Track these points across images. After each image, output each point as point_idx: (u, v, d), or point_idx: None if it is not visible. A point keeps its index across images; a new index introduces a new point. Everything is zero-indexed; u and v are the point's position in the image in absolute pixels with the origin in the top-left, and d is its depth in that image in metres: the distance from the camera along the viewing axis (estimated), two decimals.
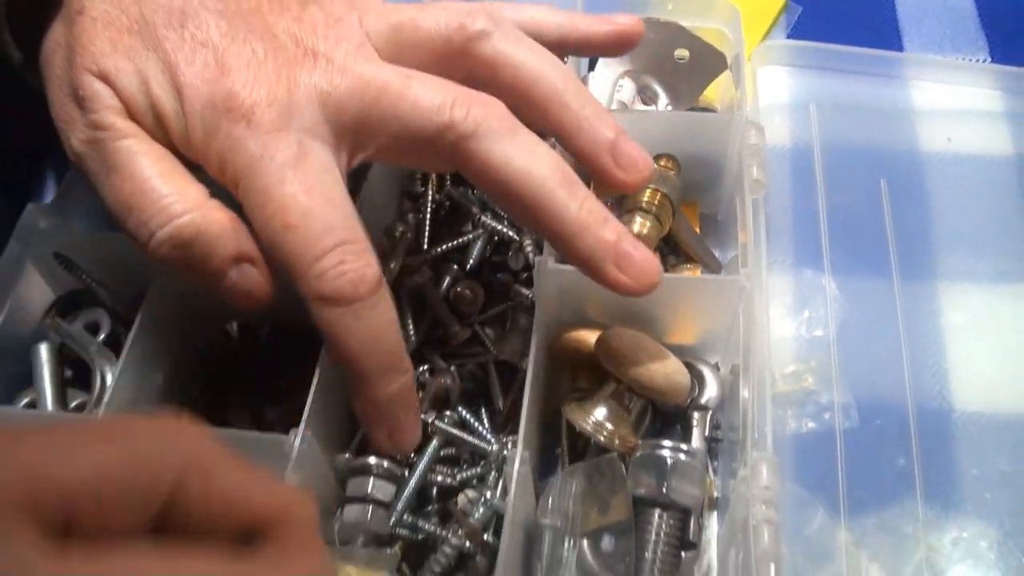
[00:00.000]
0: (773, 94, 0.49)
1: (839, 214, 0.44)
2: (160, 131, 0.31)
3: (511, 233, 0.42)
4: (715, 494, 0.37)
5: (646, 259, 0.31)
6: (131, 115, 0.31)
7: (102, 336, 0.40)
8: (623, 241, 0.31)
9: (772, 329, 0.41)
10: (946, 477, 0.37)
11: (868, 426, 0.38)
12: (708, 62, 0.47)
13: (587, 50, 0.38)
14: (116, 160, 0.31)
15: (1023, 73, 0.49)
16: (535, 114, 0.33)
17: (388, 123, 0.31)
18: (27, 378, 0.40)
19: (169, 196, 0.30)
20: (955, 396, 0.39)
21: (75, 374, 0.41)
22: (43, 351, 0.40)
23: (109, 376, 0.38)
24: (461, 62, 0.33)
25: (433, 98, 0.31)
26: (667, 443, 0.34)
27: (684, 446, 0.34)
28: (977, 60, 0.51)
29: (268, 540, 0.23)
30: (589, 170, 0.33)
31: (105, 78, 0.31)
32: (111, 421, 0.29)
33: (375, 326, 0.30)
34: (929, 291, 0.42)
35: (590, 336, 0.38)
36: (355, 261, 0.29)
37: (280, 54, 0.31)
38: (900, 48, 0.52)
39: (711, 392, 0.38)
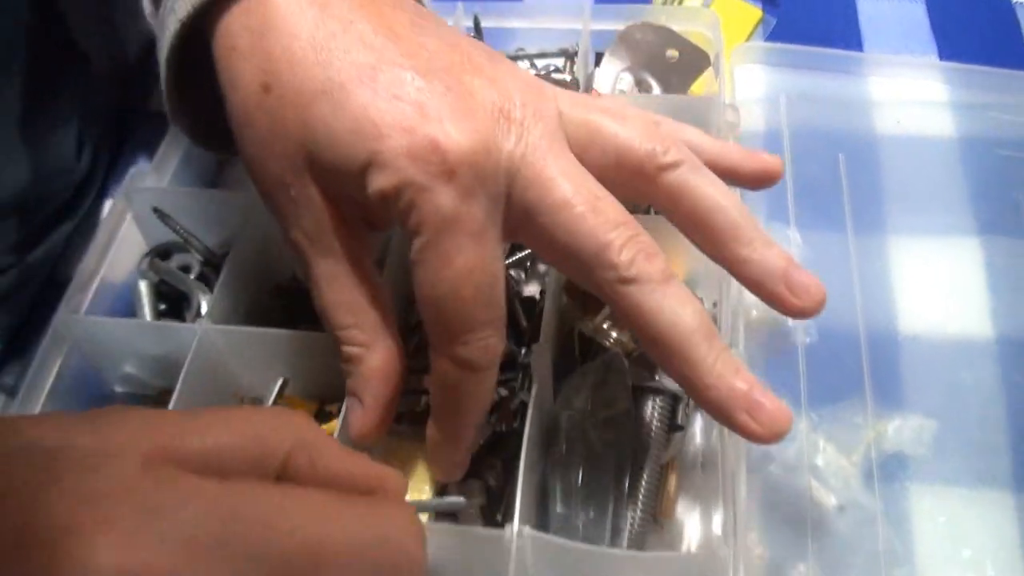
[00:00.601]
0: (749, 88, 0.58)
1: (802, 180, 0.52)
2: (350, 198, 0.33)
3: None
4: None
5: (777, 408, 0.31)
6: (321, 186, 0.33)
7: (193, 275, 0.49)
8: (754, 391, 0.32)
9: None
10: (892, 382, 0.45)
11: (826, 343, 0.46)
12: (694, 60, 0.56)
13: (733, 178, 0.38)
14: (317, 276, 0.34)
15: (965, 68, 0.57)
16: (708, 246, 0.35)
17: (555, 234, 0.32)
18: (130, 313, 0.48)
19: (350, 329, 0.34)
20: (900, 322, 0.47)
21: (168, 307, 0.49)
22: (143, 286, 0.48)
23: (204, 304, 0.47)
24: (644, 184, 0.34)
25: (607, 233, 0.31)
26: None
27: None
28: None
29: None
30: (763, 299, 0.35)
31: (309, 158, 0.32)
32: (235, 408, 0.32)
33: (480, 391, 0.34)
34: (879, 242, 0.50)
35: None
36: (496, 342, 0.33)
37: (481, 112, 0.31)
38: (861, 52, 0.61)
39: None
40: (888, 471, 0.42)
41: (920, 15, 0.63)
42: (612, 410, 0.42)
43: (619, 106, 0.36)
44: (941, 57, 0.60)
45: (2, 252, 0.47)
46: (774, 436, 0.31)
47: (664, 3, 0.62)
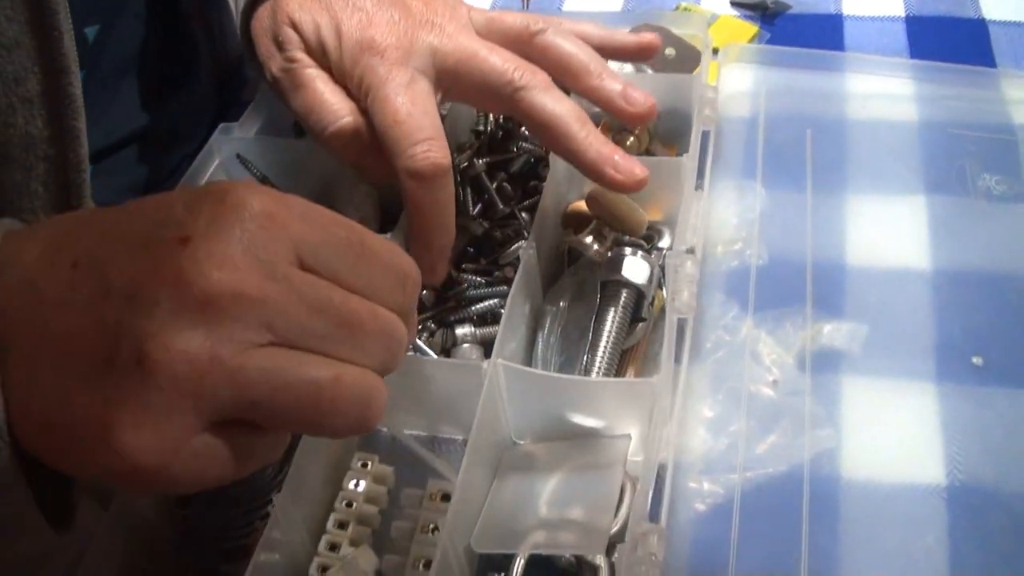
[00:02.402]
0: (738, 83, 0.68)
1: (772, 149, 0.61)
2: (324, 61, 0.48)
3: (541, 152, 0.61)
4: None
5: (633, 163, 0.46)
6: (307, 51, 0.48)
7: None
8: (616, 153, 0.47)
9: (718, 214, 0.58)
10: (833, 297, 0.53)
11: (776, 265, 0.54)
12: (689, 57, 0.66)
13: (620, 56, 0.56)
14: (301, 81, 0.48)
15: (932, 65, 0.66)
16: (569, 81, 0.50)
17: (473, 76, 0.47)
18: None
19: (336, 104, 0.47)
20: (848, 255, 0.55)
21: None
22: None
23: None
24: (526, 47, 0.50)
25: (503, 63, 0.47)
26: (628, 248, 0.51)
27: (639, 252, 0.51)
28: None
29: None
30: (611, 113, 0.50)
31: (295, 26, 0.48)
32: None
33: (441, 200, 0.45)
34: (838, 199, 0.59)
35: (581, 204, 0.56)
36: (436, 152, 0.44)
37: (410, 20, 0.48)
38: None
39: (666, 241, 0.55)
40: (822, 361, 0.50)
41: (899, 31, 0.72)
42: (586, 304, 0.51)
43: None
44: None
45: None
46: (632, 182, 0.46)
47: (677, 9, 0.74)
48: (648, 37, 0.54)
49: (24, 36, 0.40)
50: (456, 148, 0.62)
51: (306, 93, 0.48)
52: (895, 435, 0.47)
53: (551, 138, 0.47)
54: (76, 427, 0.27)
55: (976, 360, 0.49)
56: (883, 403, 0.48)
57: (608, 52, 0.53)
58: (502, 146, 0.62)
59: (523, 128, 0.62)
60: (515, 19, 0.51)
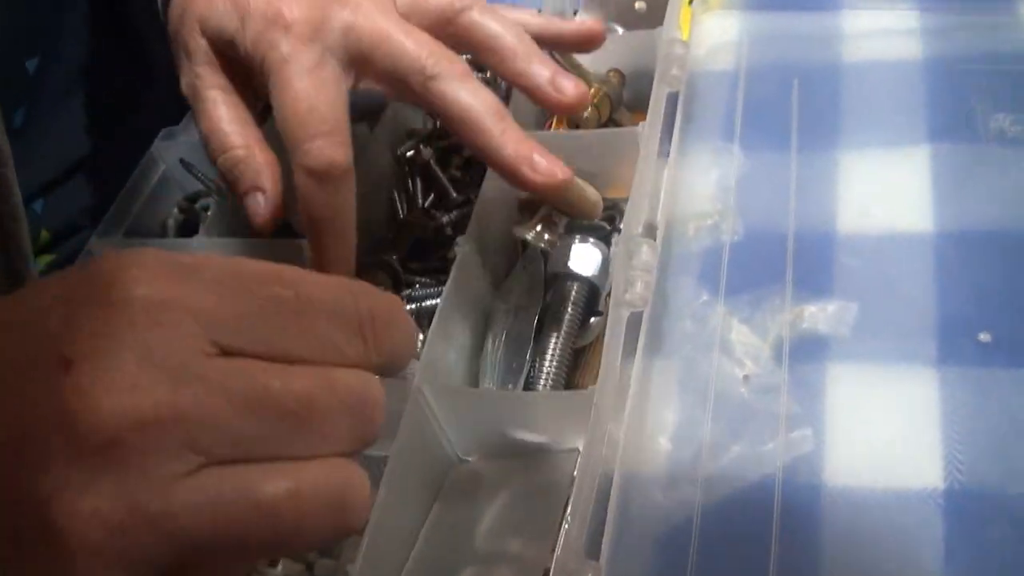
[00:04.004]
0: (716, 34, 0.61)
1: (753, 104, 0.55)
2: (229, 47, 0.43)
3: None
4: None
5: (555, 163, 0.41)
6: (213, 54, 0.43)
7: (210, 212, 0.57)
8: (535, 151, 0.41)
9: (689, 186, 0.52)
10: (819, 273, 0.47)
11: (752, 241, 0.48)
12: (661, 12, 0.60)
13: (560, 46, 0.49)
14: (203, 103, 0.44)
15: None
16: (494, 64, 0.45)
17: (384, 61, 0.42)
18: None
19: (230, 135, 0.43)
20: (839, 222, 0.49)
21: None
22: (171, 223, 0.57)
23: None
24: (450, 27, 0.45)
25: (416, 48, 0.42)
26: (578, 236, 0.46)
27: (590, 238, 0.46)
28: None
29: None
30: (538, 102, 0.44)
31: (203, 30, 0.43)
32: None
33: (337, 203, 0.40)
34: (827, 157, 0.52)
35: None
36: (333, 149, 0.39)
37: None
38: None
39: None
40: (804, 349, 0.44)
41: None
42: (535, 299, 0.47)
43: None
44: None
45: None
46: (551, 184, 0.41)
47: None
48: (590, 24, 0.48)
49: None
50: (407, 135, 0.57)
51: (205, 117, 0.44)
52: (886, 432, 0.41)
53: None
54: None
55: (983, 337, 0.43)
56: (873, 394, 0.42)
57: (547, 41, 0.48)
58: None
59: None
60: None
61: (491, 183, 0.49)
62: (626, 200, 0.51)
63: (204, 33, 0.44)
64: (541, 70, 0.43)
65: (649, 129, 0.48)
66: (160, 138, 0.58)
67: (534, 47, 0.44)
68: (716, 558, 0.38)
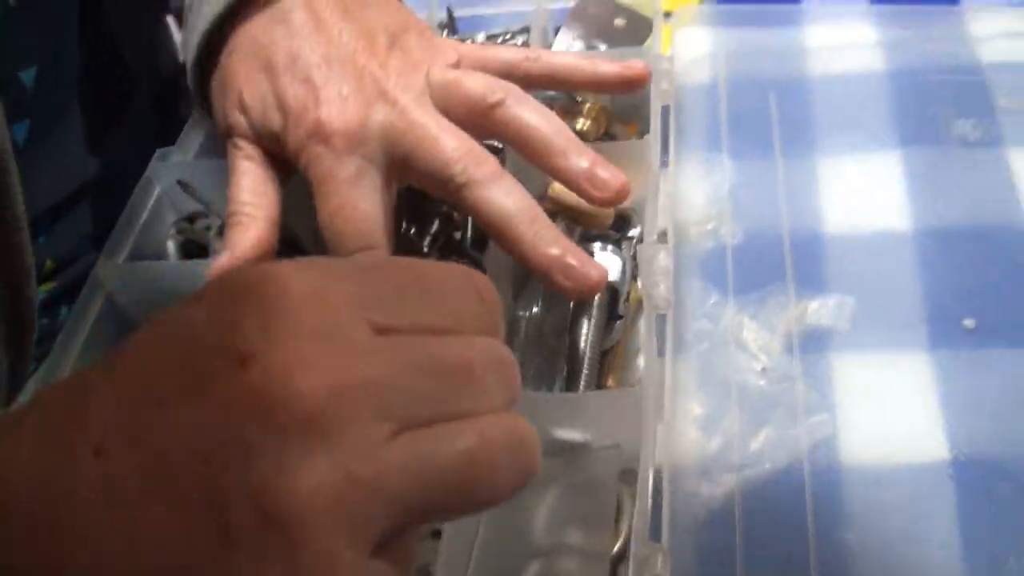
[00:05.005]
0: (692, 50, 0.65)
1: (737, 118, 0.59)
2: (272, 141, 0.45)
3: None
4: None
5: (583, 265, 0.41)
6: (254, 131, 0.45)
7: (212, 233, 0.57)
8: (567, 255, 0.41)
9: (686, 193, 0.55)
10: (814, 271, 0.51)
11: (751, 243, 0.52)
12: (639, 27, 0.63)
13: (605, 89, 0.51)
14: (234, 171, 0.47)
15: (894, 8, 0.63)
16: (532, 159, 0.45)
17: (420, 165, 0.43)
18: None
19: (244, 204, 0.45)
20: (825, 223, 0.53)
21: None
22: (171, 244, 0.57)
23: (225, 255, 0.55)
24: (486, 119, 0.44)
25: (449, 153, 0.42)
26: (597, 244, 0.49)
27: (608, 246, 0.49)
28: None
29: None
30: (579, 194, 0.44)
31: (244, 110, 0.45)
32: None
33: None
34: (809, 163, 0.56)
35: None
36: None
37: (361, 95, 0.43)
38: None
39: (636, 229, 0.53)
40: (810, 341, 0.48)
41: None
42: (560, 307, 0.49)
43: (474, 60, 0.47)
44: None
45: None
46: (584, 289, 0.40)
47: None
48: (636, 67, 0.49)
49: None
50: None
51: (232, 180, 0.47)
52: (892, 414, 0.45)
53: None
54: None
55: (968, 323, 0.47)
56: (877, 380, 0.46)
57: (591, 86, 0.50)
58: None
59: None
60: (474, 85, 0.45)
61: None
62: (630, 208, 0.54)
63: (243, 111, 0.46)
64: (579, 163, 0.43)
65: (653, 141, 0.51)
66: (155, 159, 0.58)
67: (569, 136, 0.44)
68: (759, 535, 0.41)
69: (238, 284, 0.26)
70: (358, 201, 0.42)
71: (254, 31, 0.46)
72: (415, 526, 0.25)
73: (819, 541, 0.41)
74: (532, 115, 0.44)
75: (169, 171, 0.58)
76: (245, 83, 0.45)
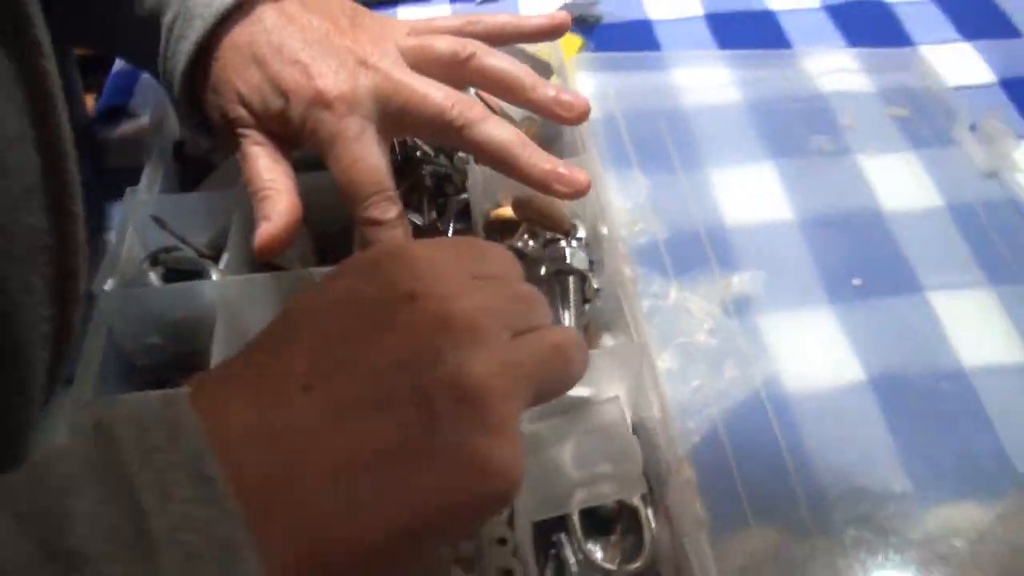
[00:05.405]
0: (588, 88, 0.76)
1: (637, 142, 0.70)
2: (276, 123, 0.50)
3: (443, 170, 0.66)
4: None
5: (575, 172, 0.50)
6: (257, 118, 0.50)
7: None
8: (559, 166, 0.50)
9: (614, 202, 0.66)
10: (729, 255, 0.62)
11: (676, 236, 0.63)
12: (541, 71, 0.74)
13: (537, 38, 0.60)
14: (247, 157, 0.51)
15: (742, 53, 0.78)
16: (506, 96, 0.54)
17: (414, 117, 0.49)
18: None
19: (265, 181, 0.50)
20: (726, 215, 0.65)
21: None
22: (152, 275, 0.59)
23: (214, 274, 0.58)
24: (460, 70, 0.53)
25: (442, 101, 0.49)
26: (563, 241, 0.58)
27: (573, 242, 0.58)
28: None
29: None
30: (550, 118, 0.53)
31: (243, 103, 0.50)
32: None
33: (398, 237, 0.49)
34: (703, 175, 0.68)
35: (505, 211, 0.62)
36: (385, 204, 0.49)
37: (345, 64, 0.49)
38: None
39: (582, 232, 0.62)
40: (741, 306, 0.59)
41: (703, 28, 0.83)
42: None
43: (425, 28, 0.55)
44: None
45: None
46: (578, 189, 0.50)
47: None
48: (560, 15, 0.58)
49: (25, 126, 0.39)
50: None
51: (247, 167, 0.51)
52: (815, 352, 0.56)
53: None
54: (432, 497, 0.30)
55: (856, 282, 0.60)
56: (798, 329, 0.58)
57: (525, 37, 0.59)
58: (408, 170, 0.66)
59: (419, 152, 0.67)
60: (443, 45, 0.53)
61: (475, 211, 0.59)
62: (576, 217, 0.63)
63: (243, 104, 0.51)
64: (547, 92, 0.53)
65: (594, 157, 0.61)
66: (126, 198, 0.61)
67: (534, 75, 0.54)
68: (744, 451, 0.51)
69: (379, 254, 0.36)
70: (366, 154, 0.49)
71: (235, 37, 0.51)
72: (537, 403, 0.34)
73: (789, 448, 0.51)
74: (500, 61, 0.53)
75: (139, 209, 0.61)
76: (239, 80, 0.50)
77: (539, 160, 0.51)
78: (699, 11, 0.85)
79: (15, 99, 0.39)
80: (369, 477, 0.30)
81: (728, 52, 0.79)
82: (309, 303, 0.34)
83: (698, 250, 0.62)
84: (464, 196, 0.63)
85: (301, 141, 0.51)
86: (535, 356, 0.34)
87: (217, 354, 0.51)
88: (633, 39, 0.83)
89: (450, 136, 0.50)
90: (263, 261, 0.52)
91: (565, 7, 0.85)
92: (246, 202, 0.58)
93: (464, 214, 0.63)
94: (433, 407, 0.30)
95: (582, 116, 0.53)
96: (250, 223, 0.58)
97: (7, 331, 0.40)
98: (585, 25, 0.85)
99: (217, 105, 0.52)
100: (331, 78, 0.49)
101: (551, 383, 0.35)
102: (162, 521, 0.27)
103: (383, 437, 0.30)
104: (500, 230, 0.62)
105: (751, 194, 0.67)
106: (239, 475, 0.29)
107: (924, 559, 0.46)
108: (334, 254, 0.55)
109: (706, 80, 0.77)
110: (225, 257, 0.57)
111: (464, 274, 0.35)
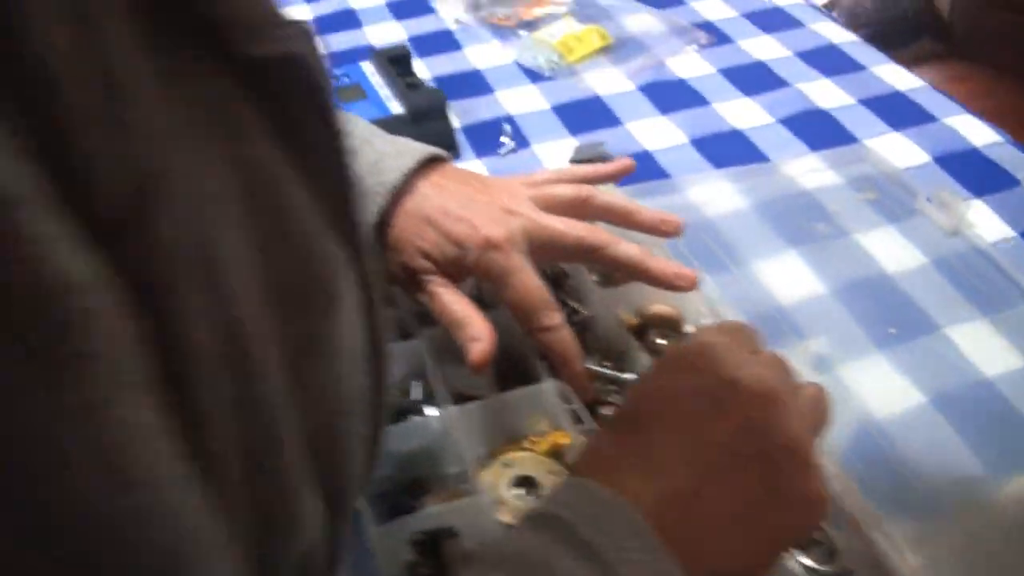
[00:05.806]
0: None
1: (688, 247, 0.89)
2: (452, 268, 0.64)
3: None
4: None
5: (689, 273, 0.66)
6: (438, 266, 0.64)
7: None
8: (674, 268, 0.66)
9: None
10: (793, 327, 0.81)
11: (750, 318, 0.81)
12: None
13: (642, 230, 0.72)
14: (434, 296, 0.64)
15: (737, 169, 0.99)
16: (620, 223, 0.70)
17: (558, 248, 0.65)
18: None
19: (457, 311, 0.63)
20: (779, 295, 0.84)
21: None
22: None
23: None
24: (583, 209, 0.68)
25: (579, 235, 0.65)
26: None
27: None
28: None
29: None
30: (653, 234, 0.71)
31: (427, 256, 0.64)
32: None
33: (566, 337, 0.64)
34: (750, 267, 0.88)
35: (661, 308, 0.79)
36: (552, 313, 0.63)
37: (497, 215, 0.64)
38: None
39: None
40: (816, 365, 0.77)
41: (691, 152, 1.04)
42: None
43: (552, 177, 0.72)
44: None
45: None
46: (692, 284, 0.68)
47: None
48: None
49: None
50: None
51: (438, 303, 0.65)
52: (886, 387, 0.75)
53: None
54: (787, 534, 0.46)
55: (891, 330, 0.80)
56: (865, 373, 0.77)
57: (633, 227, 0.71)
58: None
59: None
60: (564, 191, 0.69)
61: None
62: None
63: (425, 257, 0.65)
64: (651, 217, 0.70)
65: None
66: None
67: (638, 206, 0.71)
68: (870, 473, 0.68)
69: (691, 352, 0.50)
70: (530, 281, 0.63)
71: (405, 207, 0.66)
72: None
73: (900, 460, 0.69)
74: (612, 198, 0.71)
75: None
76: (417, 238, 0.65)
77: (664, 265, 0.68)
78: (684, 139, 1.06)
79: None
80: (740, 526, 0.45)
81: (724, 171, 0.99)
82: (654, 394, 0.49)
83: (771, 326, 0.81)
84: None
85: (468, 277, 0.66)
86: (811, 406, 0.48)
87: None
88: (641, 169, 1.02)
89: (588, 259, 0.67)
90: (478, 374, 0.65)
91: (577, 151, 1.04)
92: (430, 348, 0.73)
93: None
94: (776, 463, 0.45)
95: (679, 229, 0.71)
96: (442, 358, 0.73)
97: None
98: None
99: (398, 261, 0.66)
100: (492, 227, 0.63)
101: (823, 426, 0.49)
102: (624, 570, 0.42)
103: (748, 491, 0.46)
104: (656, 325, 0.78)
105: (791, 278, 0.86)
106: (658, 529, 0.44)
107: None
108: (503, 381, 0.71)
109: (715, 194, 0.97)
110: (437, 393, 0.71)
111: (743, 351, 0.48)
